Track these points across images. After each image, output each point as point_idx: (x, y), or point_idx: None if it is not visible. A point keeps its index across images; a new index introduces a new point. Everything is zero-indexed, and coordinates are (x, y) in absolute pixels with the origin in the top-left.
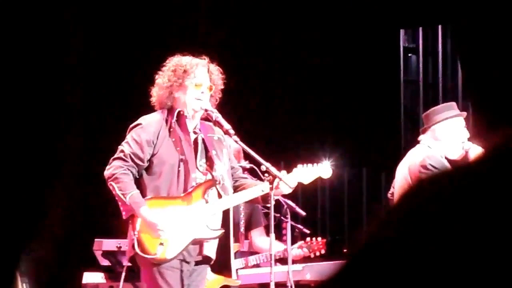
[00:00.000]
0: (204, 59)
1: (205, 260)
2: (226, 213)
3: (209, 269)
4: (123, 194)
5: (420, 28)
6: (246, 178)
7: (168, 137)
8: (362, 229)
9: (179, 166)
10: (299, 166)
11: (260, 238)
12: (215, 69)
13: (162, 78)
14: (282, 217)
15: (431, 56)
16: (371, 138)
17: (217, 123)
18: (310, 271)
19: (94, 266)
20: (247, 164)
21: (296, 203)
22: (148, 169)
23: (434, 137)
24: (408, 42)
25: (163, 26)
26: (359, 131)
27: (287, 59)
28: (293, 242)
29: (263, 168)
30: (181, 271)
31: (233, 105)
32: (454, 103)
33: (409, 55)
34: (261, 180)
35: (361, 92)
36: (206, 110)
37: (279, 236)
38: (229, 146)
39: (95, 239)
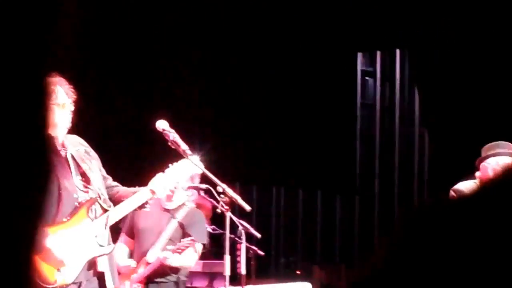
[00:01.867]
0: (56, 76)
1: (100, 276)
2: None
3: None
4: None
5: (378, 52)
6: (117, 185)
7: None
8: (315, 250)
9: (59, 189)
10: (169, 168)
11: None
12: (67, 84)
13: None
14: (236, 238)
15: (388, 80)
16: (326, 161)
17: (174, 143)
18: None
19: None
20: (202, 185)
21: (250, 225)
22: None
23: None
24: (365, 65)
25: None
26: (314, 153)
27: (243, 80)
28: (247, 264)
29: (219, 189)
30: None
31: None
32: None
33: (367, 78)
34: (217, 201)
35: (317, 114)
36: (163, 130)
37: (234, 258)
38: (97, 157)
39: None
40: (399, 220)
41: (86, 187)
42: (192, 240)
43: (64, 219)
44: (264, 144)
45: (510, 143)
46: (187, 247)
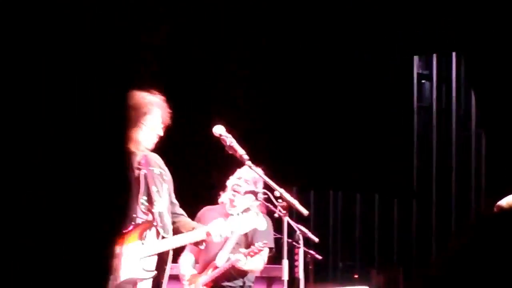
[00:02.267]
0: (157, 95)
1: None
2: (163, 255)
3: None
4: None
5: (434, 55)
6: (182, 214)
7: None
8: (372, 254)
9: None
10: (235, 214)
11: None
12: (166, 107)
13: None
14: (294, 243)
15: (444, 83)
16: (383, 165)
17: (231, 148)
18: None
19: None
20: (260, 190)
21: (308, 229)
22: None
23: None
24: (422, 68)
25: None
26: (371, 157)
27: (300, 85)
28: (305, 268)
29: (276, 193)
30: None
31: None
32: None
33: (423, 81)
34: (275, 206)
35: (374, 118)
36: (220, 135)
37: (292, 262)
38: (170, 181)
39: None
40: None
41: (148, 210)
42: (264, 244)
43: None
44: (321, 148)
45: None
46: (260, 250)
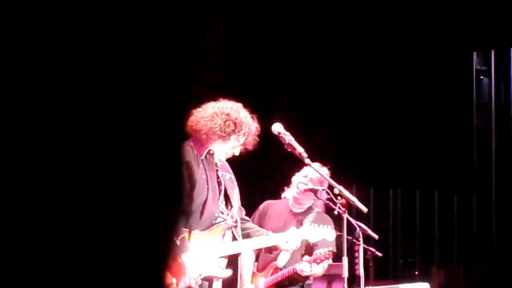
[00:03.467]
0: (255, 120)
1: None
2: (235, 256)
3: None
4: None
5: (493, 51)
6: (248, 220)
7: (198, 171)
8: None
9: (205, 202)
10: (307, 223)
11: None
12: (256, 133)
13: (211, 120)
14: (354, 240)
15: (503, 78)
16: (443, 161)
17: (290, 146)
18: None
19: None
20: (319, 187)
21: (368, 226)
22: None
23: None
24: (480, 64)
25: None
26: (431, 154)
27: (358, 81)
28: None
29: (336, 191)
30: None
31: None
32: None
33: (481, 77)
34: (334, 203)
35: (434, 114)
36: (279, 133)
37: (352, 259)
38: (237, 188)
39: None
40: None
41: (226, 210)
42: (330, 251)
43: (200, 231)
44: (380, 145)
45: None
46: (326, 258)
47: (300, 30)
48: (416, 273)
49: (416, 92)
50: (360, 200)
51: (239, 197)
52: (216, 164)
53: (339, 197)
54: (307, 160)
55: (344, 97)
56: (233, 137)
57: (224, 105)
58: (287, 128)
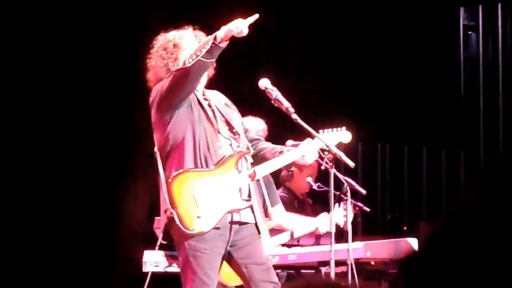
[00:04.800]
0: (187, 28)
1: (249, 225)
2: (255, 183)
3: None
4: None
5: (480, 6)
6: (259, 140)
7: (186, 110)
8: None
9: (206, 137)
10: (320, 131)
11: (281, 216)
12: (203, 34)
13: (155, 60)
14: (342, 195)
15: (490, 34)
16: (430, 117)
17: (277, 101)
18: (370, 249)
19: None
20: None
21: (355, 181)
22: (173, 141)
23: None
24: (467, 20)
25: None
26: (418, 109)
27: (344, 37)
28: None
29: (323, 146)
30: (216, 248)
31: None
32: None
33: (469, 33)
34: (321, 158)
35: (421, 70)
36: (266, 88)
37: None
38: (237, 110)
39: (155, 218)
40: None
41: (232, 137)
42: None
43: (212, 167)
44: (367, 101)
45: None
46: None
47: None
48: (405, 228)
49: (403, 48)
50: (347, 155)
51: (241, 119)
52: (200, 95)
53: (326, 152)
54: (294, 116)
55: (332, 52)
56: (181, 55)
57: (155, 47)
58: (274, 83)
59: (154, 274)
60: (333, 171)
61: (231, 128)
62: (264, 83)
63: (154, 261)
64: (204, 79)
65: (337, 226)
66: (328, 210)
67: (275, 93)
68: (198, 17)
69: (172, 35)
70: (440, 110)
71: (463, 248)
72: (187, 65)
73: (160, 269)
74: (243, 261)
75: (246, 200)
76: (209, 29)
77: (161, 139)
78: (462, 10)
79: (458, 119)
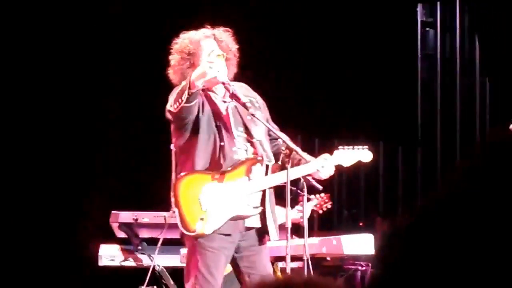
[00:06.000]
0: (207, 28)
1: (258, 230)
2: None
3: None
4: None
5: (438, 2)
6: (276, 139)
7: (202, 114)
8: (377, 203)
9: (220, 141)
10: (340, 148)
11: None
12: (223, 34)
13: (176, 60)
14: (298, 191)
15: (448, 31)
16: (388, 113)
17: (234, 96)
18: (326, 244)
19: (111, 238)
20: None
21: (312, 177)
22: (187, 141)
23: None
24: (425, 16)
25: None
26: (376, 105)
27: (303, 34)
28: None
29: (279, 141)
30: (223, 249)
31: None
32: None
33: (427, 29)
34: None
35: (378, 66)
36: (223, 83)
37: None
38: (263, 106)
39: (112, 211)
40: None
41: (247, 140)
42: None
43: (221, 170)
44: (324, 97)
45: None
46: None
47: None
48: (361, 224)
49: (361, 44)
50: (304, 151)
51: (267, 116)
52: (221, 96)
53: (282, 148)
54: (251, 110)
55: (287, 46)
56: (200, 61)
57: (175, 47)
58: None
59: (109, 268)
60: (289, 166)
61: (248, 133)
62: (221, 77)
63: (110, 255)
64: (224, 78)
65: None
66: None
67: (232, 88)
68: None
69: (189, 38)
70: (396, 106)
71: (439, 241)
72: (173, 110)
73: (116, 263)
74: (247, 270)
75: (255, 207)
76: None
77: (176, 138)
78: (420, 6)
79: (414, 115)
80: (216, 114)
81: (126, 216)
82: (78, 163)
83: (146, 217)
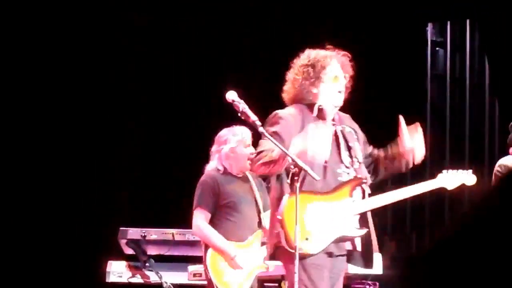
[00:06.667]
0: (333, 50)
1: (349, 252)
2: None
3: None
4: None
5: (448, 22)
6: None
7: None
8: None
9: (324, 162)
10: (444, 171)
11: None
12: (345, 58)
13: (296, 74)
14: None
15: (458, 51)
16: (398, 133)
17: (244, 114)
18: None
19: (119, 254)
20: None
21: None
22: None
23: None
24: (436, 36)
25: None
26: (385, 126)
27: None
28: None
29: (289, 160)
30: (325, 268)
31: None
32: None
33: (437, 49)
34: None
35: (388, 85)
36: (232, 101)
37: None
38: (362, 139)
39: (120, 228)
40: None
41: (351, 164)
42: None
43: (326, 191)
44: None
45: None
46: None
47: None
48: None
49: (370, 62)
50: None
51: (365, 146)
52: (332, 119)
53: (292, 166)
54: (261, 129)
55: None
56: (324, 76)
57: (299, 61)
58: (241, 96)
59: (117, 285)
60: (297, 185)
61: (352, 156)
62: (231, 95)
63: (118, 271)
64: (338, 101)
65: None
66: None
67: (242, 106)
68: None
69: (320, 54)
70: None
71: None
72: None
73: (124, 279)
74: None
75: (359, 229)
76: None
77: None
78: (430, 25)
79: (424, 136)
80: (328, 137)
81: (134, 232)
82: (87, 178)
83: (154, 233)
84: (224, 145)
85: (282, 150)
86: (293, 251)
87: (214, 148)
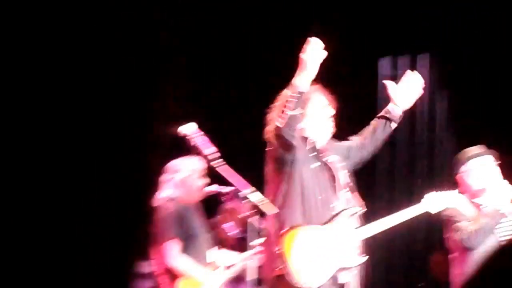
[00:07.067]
0: (316, 84)
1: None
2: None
3: None
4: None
5: (399, 57)
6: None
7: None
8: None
9: (320, 193)
10: (429, 193)
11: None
12: (326, 92)
13: (277, 114)
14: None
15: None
16: None
17: (195, 148)
18: None
19: None
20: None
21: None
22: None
23: None
24: (388, 70)
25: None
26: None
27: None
28: None
29: (243, 194)
30: None
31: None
32: None
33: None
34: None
35: (340, 121)
36: (184, 135)
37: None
38: (343, 166)
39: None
40: None
41: (350, 193)
42: None
43: (324, 223)
44: None
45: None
46: None
47: None
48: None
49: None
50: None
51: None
52: (322, 150)
53: (245, 199)
54: (214, 163)
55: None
56: (309, 110)
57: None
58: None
59: None
60: (252, 218)
61: (348, 185)
62: (184, 130)
63: None
64: (326, 136)
65: None
66: None
67: (193, 141)
68: None
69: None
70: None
71: None
72: (279, 124)
73: None
74: None
75: (360, 257)
76: None
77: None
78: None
79: (372, 173)
80: (322, 169)
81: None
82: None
83: None
84: (176, 173)
85: (234, 185)
86: (297, 285)
87: (165, 177)
